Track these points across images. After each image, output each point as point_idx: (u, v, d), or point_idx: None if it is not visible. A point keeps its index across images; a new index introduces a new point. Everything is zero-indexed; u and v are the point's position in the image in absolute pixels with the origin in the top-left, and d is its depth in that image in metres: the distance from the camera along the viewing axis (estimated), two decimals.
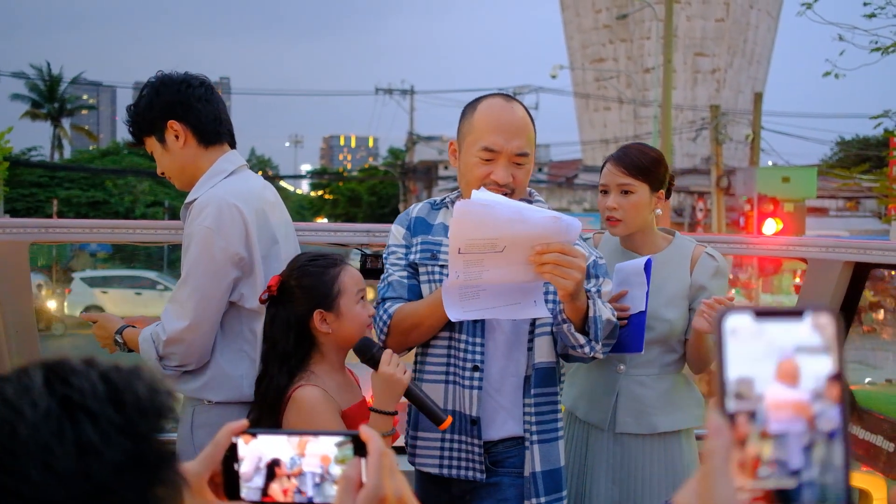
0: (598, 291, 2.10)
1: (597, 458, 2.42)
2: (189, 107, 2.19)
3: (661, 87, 17.19)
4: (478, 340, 2.07)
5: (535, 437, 2.08)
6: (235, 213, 2.11)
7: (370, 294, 2.16)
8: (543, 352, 2.11)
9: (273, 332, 2.02)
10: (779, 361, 0.63)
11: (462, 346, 2.08)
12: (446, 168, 37.25)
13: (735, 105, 38.43)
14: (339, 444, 0.92)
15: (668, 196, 2.55)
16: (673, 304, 2.40)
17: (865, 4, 7.73)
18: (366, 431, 0.90)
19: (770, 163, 22.01)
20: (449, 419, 1.91)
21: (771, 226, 11.70)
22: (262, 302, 2.06)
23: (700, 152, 33.88)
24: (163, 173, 2.28)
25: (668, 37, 16.76)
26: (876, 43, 7.69)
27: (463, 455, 2.09)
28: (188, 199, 2.21)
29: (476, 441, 2.07)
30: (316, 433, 0.93)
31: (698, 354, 2.41)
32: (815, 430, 0.62)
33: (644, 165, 2.41)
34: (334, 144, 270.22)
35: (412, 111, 40.48)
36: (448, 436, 2.09)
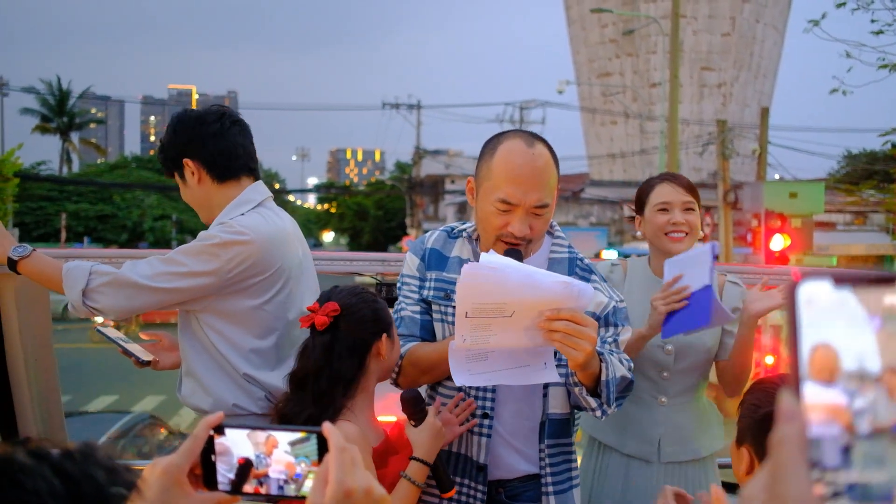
0: (616, 341, 2.03)
1: (641, 490, 2.45)
2: (202, 144, 2.23)
3: (668, 101, 17.22)
4: (489, 387, 2.04)
5: (550, 489, 2.04)
6: (247, 249, 2.12)
7: None
8: (558, 402, 2.06)
9: (331, 358, 1.93)
10: (812, 348, 0.54)
11: (473, 391, 2.05)
12: (453, 182, 37.33)
13: (741, 119, 38.46)
14: (294, 443, 0.96)
15: None
16: (712, 332, 2.47)
17: (873, 21, 7.75)
18: (327, 427, 0.93)
19: (777, 176, 21.99)
20: (453, 490, 1.93)
21: (779, 242, 11.65)
22: (319, 325, 1.95)
23: (707, 167, 33.87)
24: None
25: (674, 51, 16.79)
26: (883, 60, 7.70)
27: (467, 500, 2.06)
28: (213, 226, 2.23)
29: (480, 487, 2.04)
30: (273, 428, 0.99)
31: (741, 369, 2.44)
32: (854, 433, 0.53)
33: (693, 187, 2.55)
34: (341, 158, 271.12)
35: (419, 125, 40.62)
36: (455, 478, 2.07)
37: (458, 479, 2.07)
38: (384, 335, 1.96)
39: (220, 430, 0.99)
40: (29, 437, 2.60)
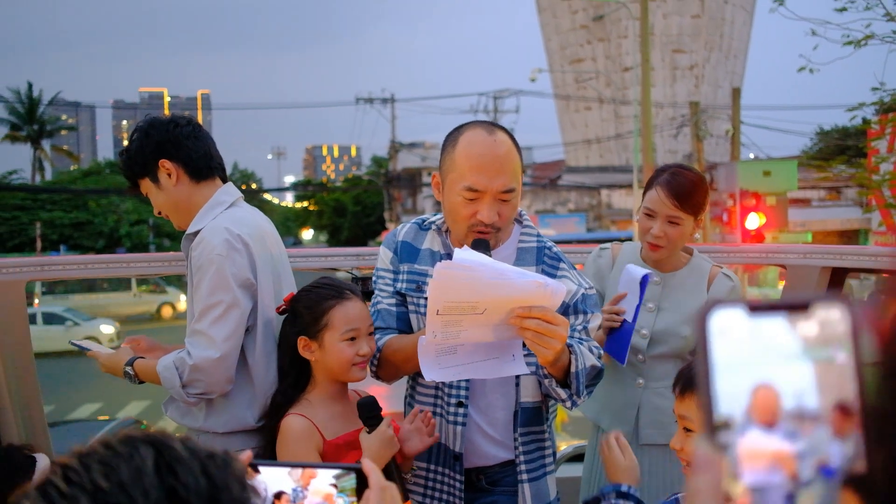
0: (585, 328, 2.03)
1: None
2: (178, 145, 2.24)
3: (641, 85, 17.29)
4: None
5: (524, 476, 2.07)
6: (241, 243, 2.14)
7: None
8: (529, 391, 2.08)
9: (280, 349, 2.10)
10: (753, 389, 0.50)
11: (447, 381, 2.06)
12: (429, 174, 37.27)
13: (714, 100, 38.69)
14: (339, 476, 0.99)
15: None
16: (689, 321, 2.47)
17: None
18: (367, 465, 0.96)
19: (751, 156, 22.16)
20: (408, 503, 1.94)
21: (754, 220, 11.76)
22: (279, 312, 2.12)
23: (682, 149, 34.06)
24: (159, 213, 2.32)
25: (644, 35, 16.86)
26: (848, 36, 7.78)
27: (445, 488, 2.07)
28: (190, 230, 2.23)
29: (457, 476, 2.06)
30: (314, 466, 1.00)
31: None
32: (798, 481, 0.50)
33: (693, 198, 2.44)
34: (317, 154, 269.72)
35: (393, 119, 40.51)
36: (433, 467, 2.09)
37: (438, 468, 2.09)
38: (301, 338, 2.02)
39: (253, 467, 0.99)
40: (12, 443, 2.59)
